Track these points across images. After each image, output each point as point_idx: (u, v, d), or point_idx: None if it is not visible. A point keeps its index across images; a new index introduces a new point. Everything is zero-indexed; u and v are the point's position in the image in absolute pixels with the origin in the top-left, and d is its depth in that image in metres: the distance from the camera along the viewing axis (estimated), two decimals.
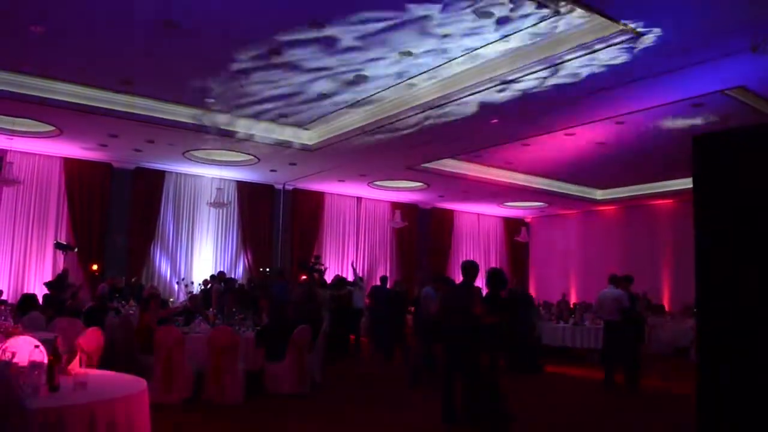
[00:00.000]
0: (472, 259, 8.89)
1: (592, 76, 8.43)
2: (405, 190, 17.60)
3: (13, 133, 12.07)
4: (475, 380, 6.61)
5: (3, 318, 8.61)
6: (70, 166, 14.24)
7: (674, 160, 13.27)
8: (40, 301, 10.69)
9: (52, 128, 11.89)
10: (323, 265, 15.21)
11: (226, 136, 12.01)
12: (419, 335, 10.07)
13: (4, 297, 12.28)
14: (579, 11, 7.04)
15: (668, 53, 7.61)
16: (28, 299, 10.30)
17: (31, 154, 13.82)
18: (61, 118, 11.07)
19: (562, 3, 6.90)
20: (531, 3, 7.03)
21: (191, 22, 7.64)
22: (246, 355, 7.92)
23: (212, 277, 13.90)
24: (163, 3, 7.20)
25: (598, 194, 18.41)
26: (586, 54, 7.67)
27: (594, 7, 6.71)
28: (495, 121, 10.60)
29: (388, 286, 13.51)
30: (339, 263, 17.95)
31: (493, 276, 7.03)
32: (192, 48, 8.48)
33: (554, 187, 17.06)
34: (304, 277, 13.15)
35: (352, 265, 16.08)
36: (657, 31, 7.02)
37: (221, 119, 11.65)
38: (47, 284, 12.42)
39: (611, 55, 7.72)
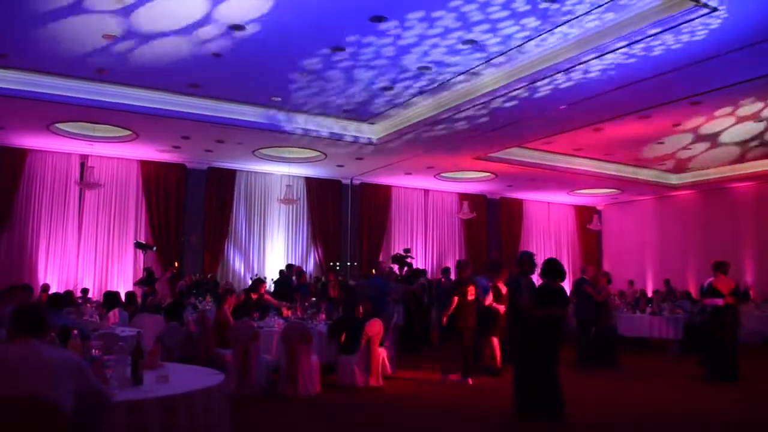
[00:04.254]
0: (532, 250, 8.47)
1: (665, 55, 8.10)
2: (472, 181, 17.42)
3: (93, 138, 12.63)
4: (531, 372, 6.51)
5: (90, 315, 9.07)
6: (147, 168, 14.80)
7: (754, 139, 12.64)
8: (123, 298, 11.18)
9: (128, 132, 12.37)
10: (412, 257, 15.11)
11: (293, 133, 12.19)
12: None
13: (89, 295, 12.92)
14: None
15: (748, 27, 7.22)
16: (112, 296, 10.81)
17: (110, 158, 14.44)
18: (137, 122, 11.51)
19: None
20: None
21: (256, 25, 7.78)
22: (319, 349, 8.03)
23: (288, 266, 14.09)
24: (229, 7, 7.37)
25: (674, 179, 17.68)
26: (659, 32, 7.37)
27: None
28: (563, 107, 10.35)
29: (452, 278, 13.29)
30: None
31: (544, 267, 6.80)
32: (257, 49, 8.63)
33: (627, 172, 16.49)
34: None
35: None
36: (736, 4, 6.67)
37: (288, 117, 11.83)
38: (138, 283, 13.01)
39: (687, 32, 7.39)
